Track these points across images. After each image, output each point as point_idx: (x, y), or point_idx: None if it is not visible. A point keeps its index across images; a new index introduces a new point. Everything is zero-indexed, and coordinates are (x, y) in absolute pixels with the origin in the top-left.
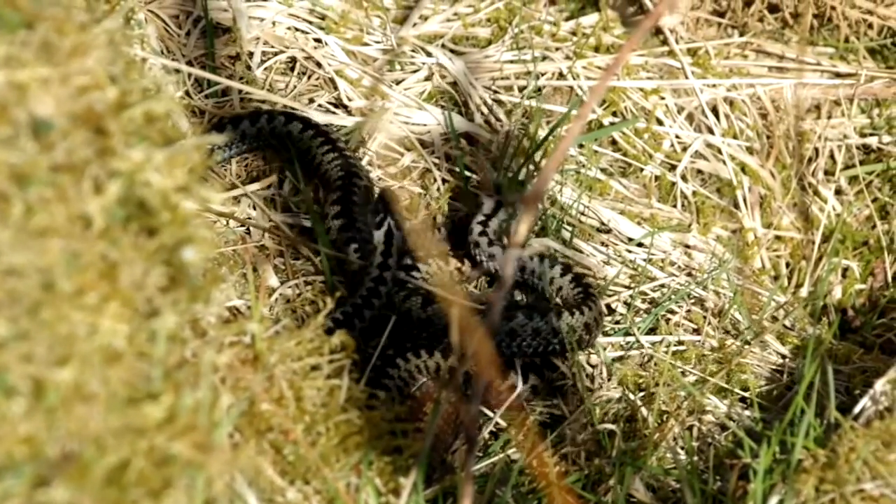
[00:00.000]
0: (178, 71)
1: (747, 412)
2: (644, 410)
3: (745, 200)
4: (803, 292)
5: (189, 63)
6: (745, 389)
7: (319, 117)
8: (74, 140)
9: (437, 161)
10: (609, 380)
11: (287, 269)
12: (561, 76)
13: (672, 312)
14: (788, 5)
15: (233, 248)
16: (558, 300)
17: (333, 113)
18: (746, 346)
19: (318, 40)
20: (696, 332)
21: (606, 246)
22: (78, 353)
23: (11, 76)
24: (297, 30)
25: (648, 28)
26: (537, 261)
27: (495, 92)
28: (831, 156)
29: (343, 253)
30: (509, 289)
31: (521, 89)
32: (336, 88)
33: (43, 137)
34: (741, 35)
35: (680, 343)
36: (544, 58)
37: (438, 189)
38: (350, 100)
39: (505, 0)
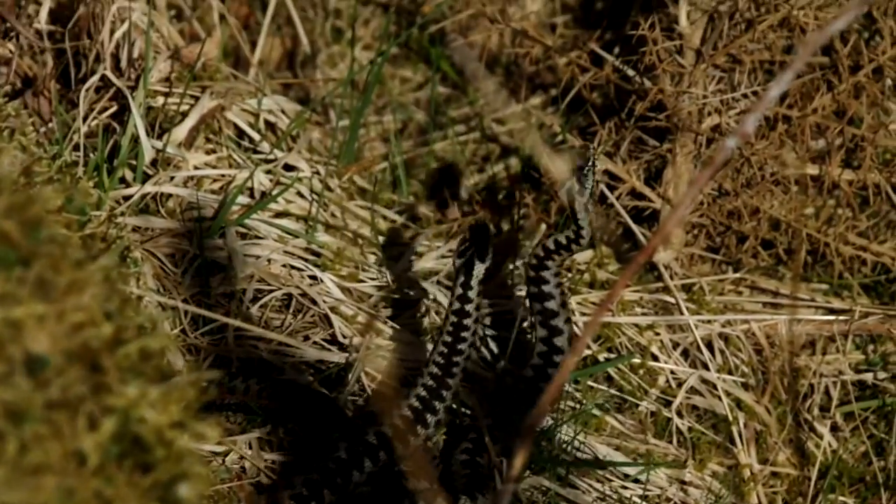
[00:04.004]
0: (174, 308)
1: None
2: None
3: (740, 436)
4: None
5: (185, 301)
6: None
7: (314, 354)
8: (69, 377)
9: None
10: None
11: None
12: None
13: None
14: (782, 242)
15: (228, 485)
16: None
17: (328, 350)
18: None
19: (313, 277)
20: None
21: (602, 483)
22: None
23: (7, 313)
24: (292, 267)
25: (642, 264)
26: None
27: (490, 327)
28: (827, 392)
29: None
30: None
31: None
32: (331, 325)
33: (38, 374)
34: (735, 271)
35: None
36: None
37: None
38: (345, 336)
39: None
